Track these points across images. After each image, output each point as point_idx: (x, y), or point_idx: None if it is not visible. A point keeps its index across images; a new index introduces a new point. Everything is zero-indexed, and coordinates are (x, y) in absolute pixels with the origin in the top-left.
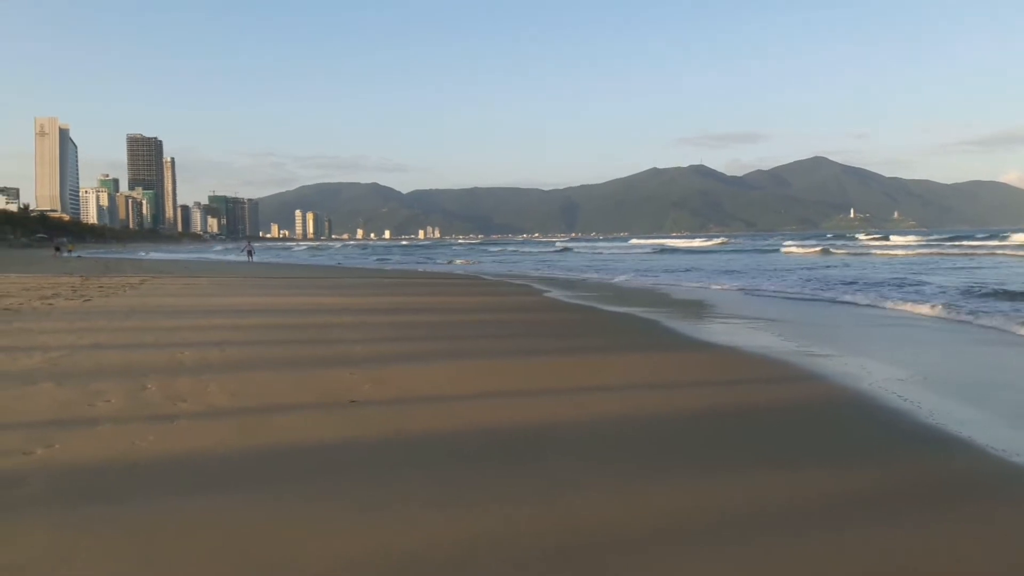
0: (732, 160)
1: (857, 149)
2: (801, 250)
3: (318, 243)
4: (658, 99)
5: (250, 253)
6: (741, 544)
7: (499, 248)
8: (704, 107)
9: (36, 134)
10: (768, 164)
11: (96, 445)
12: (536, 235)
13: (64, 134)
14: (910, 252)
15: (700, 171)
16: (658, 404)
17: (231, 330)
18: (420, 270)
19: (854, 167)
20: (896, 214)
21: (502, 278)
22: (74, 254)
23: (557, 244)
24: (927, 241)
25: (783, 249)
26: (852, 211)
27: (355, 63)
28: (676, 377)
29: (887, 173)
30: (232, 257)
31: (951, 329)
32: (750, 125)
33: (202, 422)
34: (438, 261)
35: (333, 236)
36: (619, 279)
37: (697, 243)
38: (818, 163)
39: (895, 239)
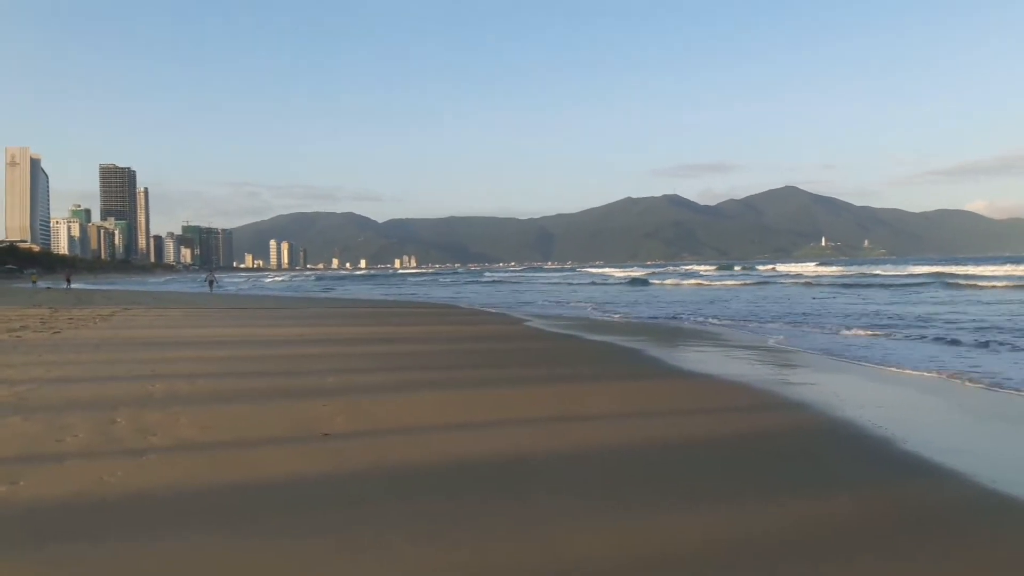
0: (705, 189)
1: (827, 179)
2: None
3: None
4: (633, 130)
5: (211, 283)
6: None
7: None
8: (678, 138)
9: (7, 164)
10: (740, 193)
11: (63, 481)
12: (512, 264)
13: (35, 164)
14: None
15: (674, 200)
16: (637, 433)
17: (202, 362)
18: (393, 299)
19: (825, 196)
20: (867, 242)
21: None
22: (39, 285)
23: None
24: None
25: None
26: (824, 239)
27: (331, 93)
28: (654, 406)
29: (857, 202)
30: (184, 288)
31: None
32: (722, 155)
33: (172, 456)
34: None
35: (308, 266)
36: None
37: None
38: (789, 192)
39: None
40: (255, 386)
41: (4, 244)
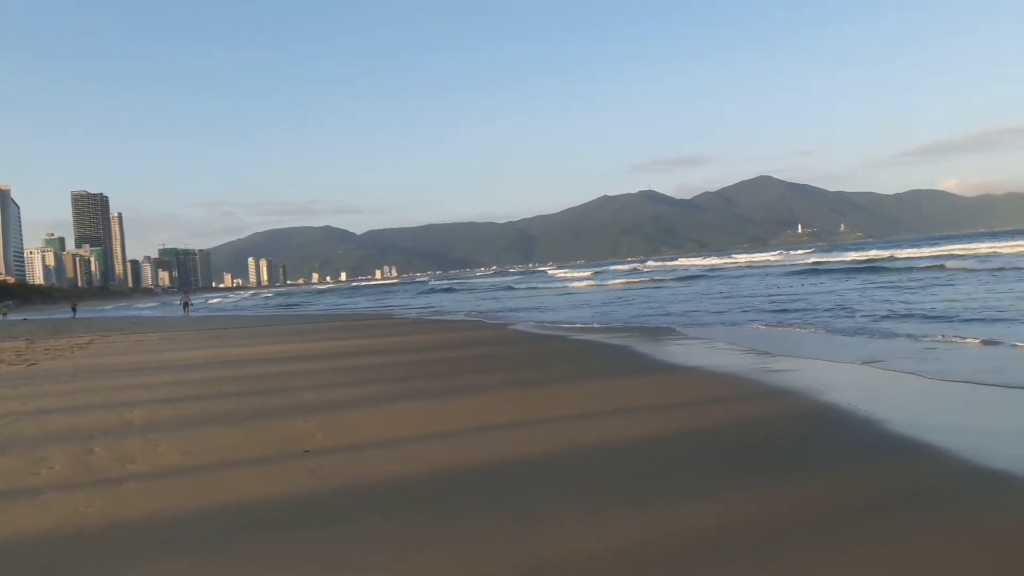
0: (680, 183)
1: (801, 166)
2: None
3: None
4: (606, 127)
5: (185, 306)
6: (710, 568)
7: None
8: (651, 134)
9: None
10: (715, 185)
11: (40, 515)
12: (493, 268)
13: (5, 195)
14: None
15: (650, 196)
16: (619, 431)
17: (180, 386)
18: (367, 311)
19: (799, 183)
20: (843, 227)
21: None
22: (9, 317)
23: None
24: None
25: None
26: (800, 226)
27: (303, 106)
28: (637, 402)
29: (831, 187)
30: (159, 313)
31: None
32: (696, 149)
33: (152, 483)
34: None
35: (288, 282)
36: None
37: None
38: (763, 182)
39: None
40: (235, 407)
41: None
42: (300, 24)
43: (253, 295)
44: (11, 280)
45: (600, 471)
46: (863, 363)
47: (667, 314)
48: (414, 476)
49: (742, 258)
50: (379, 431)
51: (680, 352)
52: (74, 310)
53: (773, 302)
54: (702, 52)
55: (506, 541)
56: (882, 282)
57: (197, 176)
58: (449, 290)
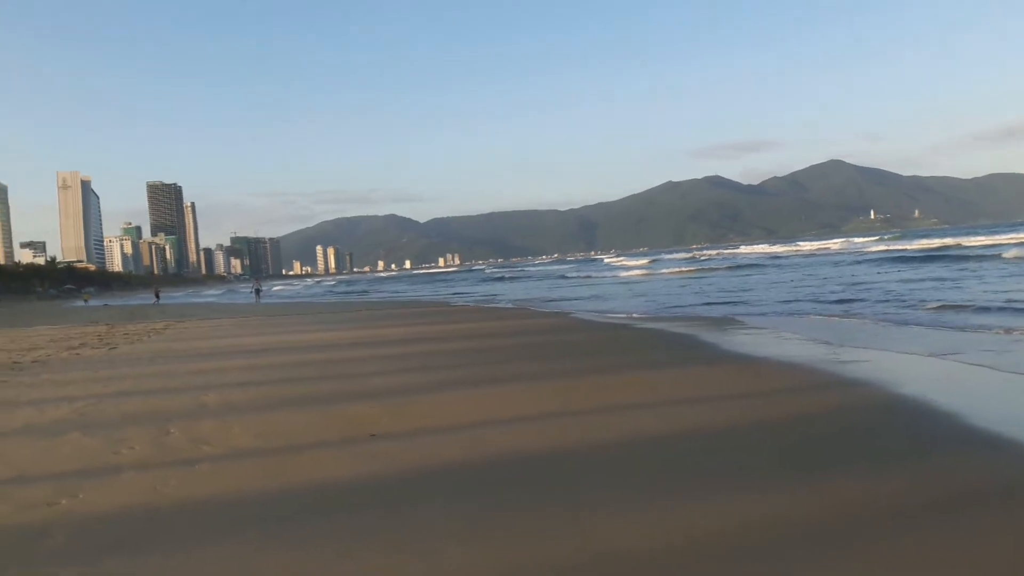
0: (747, 169)
1: (871, 150)
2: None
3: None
4: (670, 112)
5: (257, 292)
6: (768, 563)
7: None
8: (716, 118)
9: (59, 187)
10: (784, 170)
11: (120, 493)
12: (555, 255)
13: (86, 186)
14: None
15: (716, 182)
16: (685, 420)
17: (252, 370)
18: (438, 300)
19: (871, 168)
20: (917, 212)
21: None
22: (90, 303)
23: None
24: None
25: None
26: (872, 212)
27: (364, 97)
28: (704, 392)
29: (905, 172)
30: (224, 300)
31: None
32: (762, 133)
33: (225, 464)
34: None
35: (355, 269)
36: None
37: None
38: (834, 166)
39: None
40: (304, 391)
41: (62, 265)
42: (364, 13)
43: (317, 282)
44: (92, 267)
45: (660, 462)
46: (936, 355)
47: (724, 303)
48: (475, 462)
49: (806, 246)
50: (442, 417)
51: (743, 341)
52: (157, 297)
53: (838, 291)
54: (768, 34)
55: (564, 529)
56: (956, 270)
57: (266, 166)
58: (503, 279)
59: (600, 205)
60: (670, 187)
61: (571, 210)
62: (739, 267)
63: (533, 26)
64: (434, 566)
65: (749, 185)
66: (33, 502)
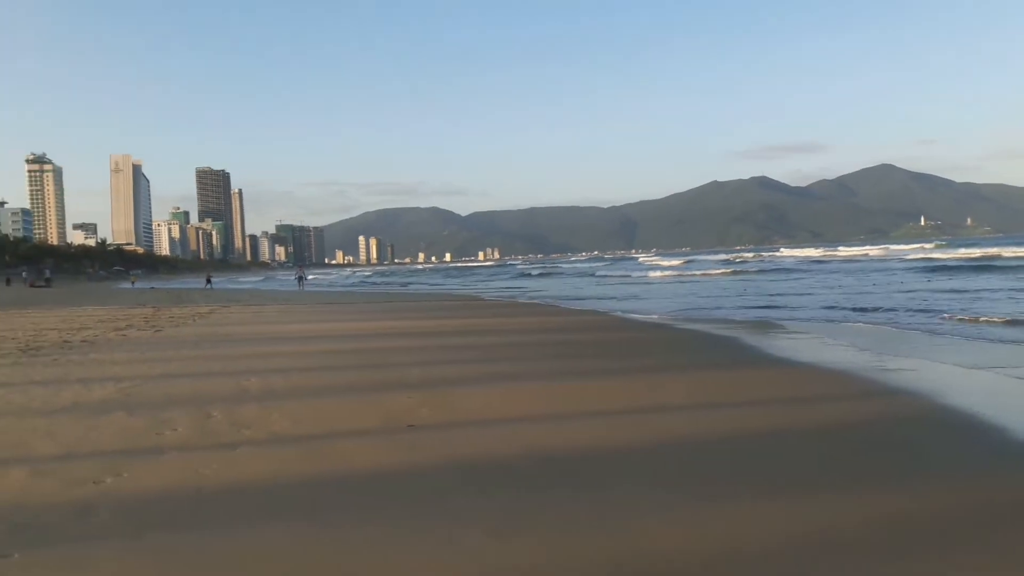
0: (795, 170)
1: (925, 155)
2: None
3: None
4: (716, 112)
5: (301, 280)
6: (803, 574)
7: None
8: (764, 119)
9: (111, 171)
10: (832, 173)
11: (162, 474)
12: (595, 252)
13: (137, 170)
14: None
15: (763, 183)
16: (723, 424)
17: (294, 357)
18: (477, 295)
19: (923, 173)
20: (970, 220)
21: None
22: (137, 285)
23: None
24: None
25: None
26: (923, 219)
27: (412, 90)
28: (743, 395)
29: (958, 178)
30: (264, 286)
31: None
32: (811, 135)
33: (265, 449)
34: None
35: (396, 260)
36: None
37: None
38: (885, 171)
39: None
40: (344, 379)
41: (112, 247)
42: (408, 9)
43: (353, 272)
44: (140, 250)
45: (698, 465)
46: (981, 367)
47: (759, 307)
48: (512, 456)
49: (844, 251)
50: (480, 410)
51: (785, 346)
52: (209, 282)
53: (879, 299)
54: (817, 33)
55: (599, 528)
56: (1007, 280)
57: (312, 156)
58: (530, 275)
59: (642, 203)
60: (715, 187)
61: (613, 207)
62: (775, 270)
63: (578, 19)
64: (471, 560)
65: (796, 187)
66: (79, 479)
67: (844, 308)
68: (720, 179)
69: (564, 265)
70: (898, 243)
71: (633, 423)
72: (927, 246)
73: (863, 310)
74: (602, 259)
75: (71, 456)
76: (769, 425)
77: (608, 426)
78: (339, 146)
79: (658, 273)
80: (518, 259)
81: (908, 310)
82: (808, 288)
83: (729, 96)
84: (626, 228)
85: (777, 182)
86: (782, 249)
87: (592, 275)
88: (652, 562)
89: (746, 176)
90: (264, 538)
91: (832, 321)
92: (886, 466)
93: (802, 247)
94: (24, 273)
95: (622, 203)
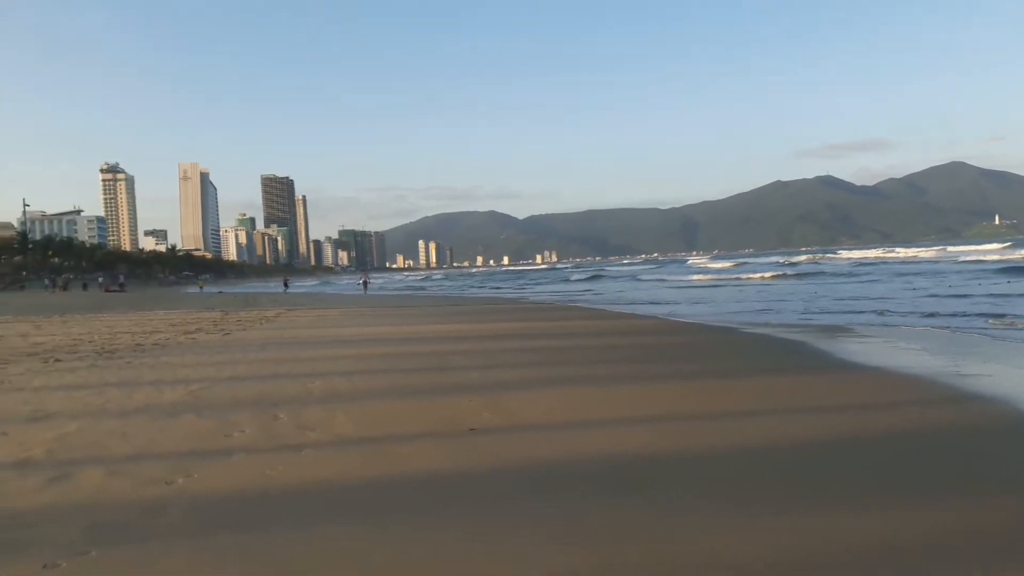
0: (861, 169)
1: (997, 152)
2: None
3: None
4: (778, 111)
5: (365, 284)
6: None
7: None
8: (826, 117)
9: (180, 179)
10: (901, 171)
11: (231, 475)
12: (656, 255)
13: (205, 177)
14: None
15: (827, 182)
16: (778, 431)
17: (356, 359)
18: (532, 298)
19: (996, 171)
20: None
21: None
22: (205, 290)
23: None
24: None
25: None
26: (997, 217)
27: (467, 95)
28: (809, 401)
29: None
30: (320, 290)
31: None
32: (877, 133)
33: (329, 451)
34: None
35: (455, 264)
36: None
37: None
38: (955, 168)
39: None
40: (406, 382)
41: (181, 253)
42: (464, 17)
43: (405, 277)
44: (208, 255)
45: (757, 472)
46: None
47: (805, 312)
48: (571, 461)
49: (902, 251)
50: (539, 414)
51: (856, 351)
52: (286, 286)
53: (956, 302)
54: (886, 30)
55: (659, 535)
56: None
57: (373, 162)
58: (570, 279)
59: (703, 204)
60: (778, 187)
61: (673, 208)
62: (825, 273)
63: (639, 20)
64: (530, 564)
65: (863, 186)
66: (151, 479)
67: (911, 313)
68: (784, 179)
69: (611, 268)
70: (970, 243)
71: (694, 429)
72: (998, 246)
73: (934, 314)
74: (654, 262)
75: (144, 457)
76: (836, 432)
77: (668, 432)
78: (398, 152)
79: (699, 276)
80: (567, 262)
81: (983, 314)
82: (862, 292)
83: (793, 94)
84: (687, 229)
85: (842, 181)
86: (840, 251)
87: (635, 278)
88: (713, 571)
89: (810, 175)
90: (328, 539)
91: (899, 326)
92: (957, 476)
93: (869, 248)
94: (100, 279)
95: (682, 204)
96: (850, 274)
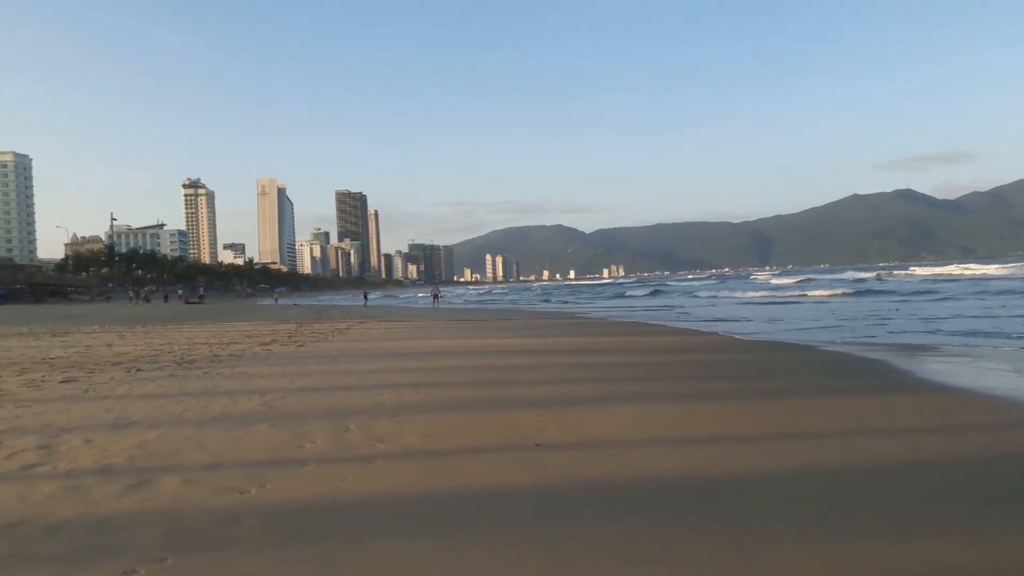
0: (943, 182)
1: None
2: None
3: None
4: (855, 122)
5: (436, 297)
6: None
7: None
8: (907, 127)
9: (258, 194)
10: (985, 184)
11: (302, 485)
12: (726, 269)
13: (281, 193)
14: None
15: (907, 196)
16: (867, 452)
17: (424, 372)
18: (599, 315)
19: None
20: None
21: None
22: (280, 302)
23: None
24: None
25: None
26: None
27: (536, 111)
28: (892, 422)
29: None
30: (406, 303)
31: None
32: (960, 144)
33: (397, 463)
34: None
35: (521, 278)
36: None
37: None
38: None
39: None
40: (473, 395)
41: (258, 266)
42: (530, 36)
43: (469, 289)
44: (284, 269)
45: (834, 497)
46: None
47: (872, 331)
48: (639, 480)
49: (978, 267)
50: (606, 431)
51: (940, 370)
52: (366, 298)
53: None
54: (968, 40)
55: (730, 558)
56: None
57: (442, 177)
58: (624, 295)
59: (777, 218)
60: (855, 200)
61: (745, 222)
62: (904, 292)
63: (709, 34)
64: None
65: (945, 200)
66: (226, 488)
67: (997, 332)
68: (860, 192)
69: (672, 283)
70: None
71: (765, 449)
72: None
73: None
74: (719, 277)
75: (219, 466)
76: (922, 455)
77: (738, 452)
78: (466, 167)
79: (753, 293)
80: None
81: None
82: (938, 310)
83: (870, 106)
84: (760, 243)
85: (922, 194)
86: (912, 267)
87: (693, 295)
88: None
89: (888, 189)
90: (398, 552)
91: (984, 345)
92: None
93: (948, 264)
94: (180, 291)
95: (755, 218)
96: (920, 291)
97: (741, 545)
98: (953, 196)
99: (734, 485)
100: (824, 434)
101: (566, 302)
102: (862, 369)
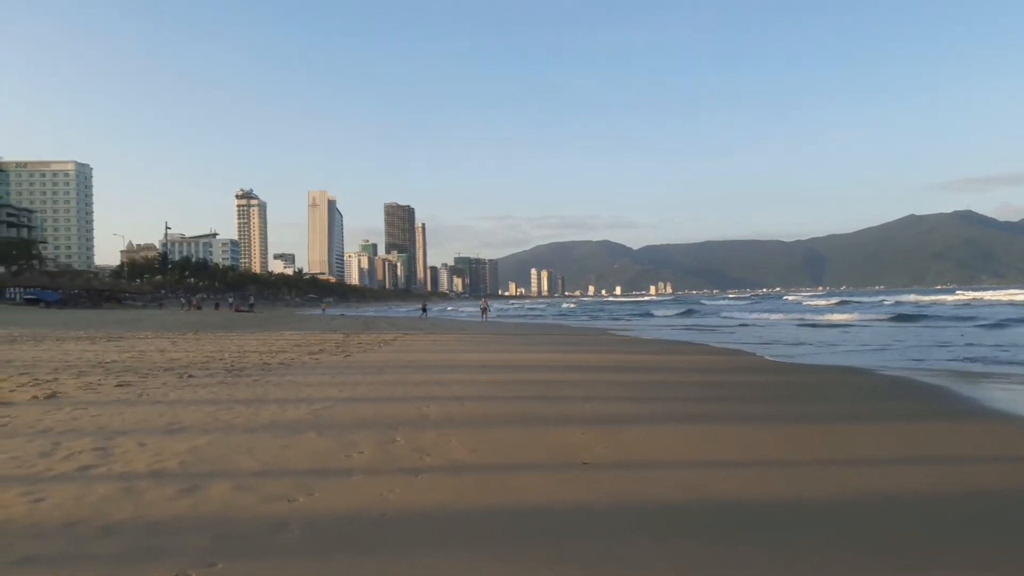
0: (1004, 204)
1: None
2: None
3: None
4: (913, 141)
5: (484, 311)
6: None
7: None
8: (966, 147)
9: (309, 206)
10: None
11: (350, 495)
12: (778, 289)
13: (332, 205)
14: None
15: (967, 217)
16: (927, 480)
17: (470, 385)
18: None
19: None
20: None
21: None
22: (327, 312)
23: None
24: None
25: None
26: None
27: (583, 125)
28: (951, 450)
29: None
30: (458, 316)
31: None
32: (1022, 165)
33: (444, 476)
34: None
35: (566, 293)
36: None
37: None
38: None
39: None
40: (518, 410)
41: (307, 276)
42: (574, 51)
43: (511, 303)
44: (332, 279)
45: (892, 525)
46: None
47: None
48: (690, 502)
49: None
50: (655, 451)
51: (1003, 398)
52: (424, 310)
53: None
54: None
55: None
56: None
57: (488, 191)
58: (651, 314)
59: (831, 237)
60: (912, 221)
61: (797, 241)
62: (946, 316)
63: (767, 52)
64: None
65: (1007, 222)
66: (274, 496)
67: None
68: (918, 212)
69: (706, 302)
70: None
71: (818, 474)
72: None
73: None
74: (758, 297)
75: (268, 473)
76: (986, 485)
77: (790, 476)
78: (512, 181)
79: (777, 316)
80: (682, 294)
81: None
82: (985, 337)
83: (929, 124)
84: (812, 263)
85: (983, 216)
86: (958, 292)
87: (726, 316)
88: None
89: (948, 210)
90: (444, 566)
91: None
92: None
93: (1010, 288)
94: (231, 299)
95: (808, 237)
96: (961, 317)
97: (796, 572)
98: (1016, 218)
99: (787, 510)
100: (881, 460)
101: (596, 316)
102: (921, 394)
